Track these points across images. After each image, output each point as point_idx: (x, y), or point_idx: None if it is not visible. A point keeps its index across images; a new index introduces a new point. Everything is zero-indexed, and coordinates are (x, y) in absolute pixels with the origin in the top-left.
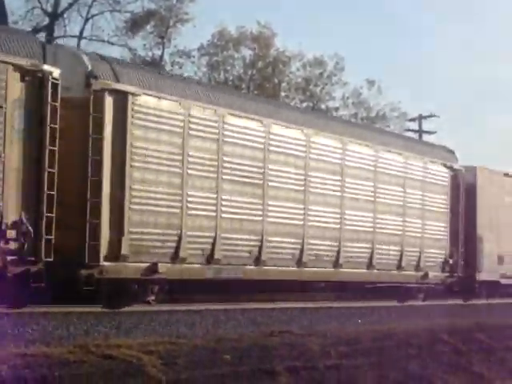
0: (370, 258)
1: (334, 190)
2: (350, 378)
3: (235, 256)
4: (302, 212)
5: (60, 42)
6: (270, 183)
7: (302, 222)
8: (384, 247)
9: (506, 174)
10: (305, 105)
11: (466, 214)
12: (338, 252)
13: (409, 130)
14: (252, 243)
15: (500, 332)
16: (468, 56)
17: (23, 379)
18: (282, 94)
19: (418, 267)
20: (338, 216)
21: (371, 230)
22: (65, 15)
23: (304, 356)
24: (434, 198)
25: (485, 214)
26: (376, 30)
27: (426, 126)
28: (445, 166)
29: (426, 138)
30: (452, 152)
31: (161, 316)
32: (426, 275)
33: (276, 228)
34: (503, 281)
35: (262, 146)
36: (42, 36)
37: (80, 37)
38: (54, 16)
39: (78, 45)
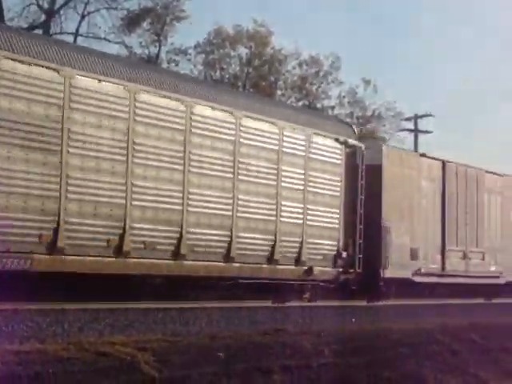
0: (228, 249)
1: (224, 171)
2: (343, 377)
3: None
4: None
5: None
6: (192, 169)
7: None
8: (247, 235)
9: (424, 155)
10: (301, 103)
11: (369, 200)
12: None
13: (404, 130)
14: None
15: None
16: (465, 56)
17: (17, 376)
18: (278, 92)
19: (298, 261)
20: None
21: (229, 213)
22: (61, 12)
23: (298, 354)
24: (320, 178)
25: (394, 201)
26: (373, 29)
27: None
28: (337, 140)
29: (421, 137)
30: (349, 125)
31: (155, 314)
32: (309, 271)
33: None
34: (417, 278)
35: (183, 128)
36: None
37: (76, 34)
38: (51, 13)
39: (74, 41)
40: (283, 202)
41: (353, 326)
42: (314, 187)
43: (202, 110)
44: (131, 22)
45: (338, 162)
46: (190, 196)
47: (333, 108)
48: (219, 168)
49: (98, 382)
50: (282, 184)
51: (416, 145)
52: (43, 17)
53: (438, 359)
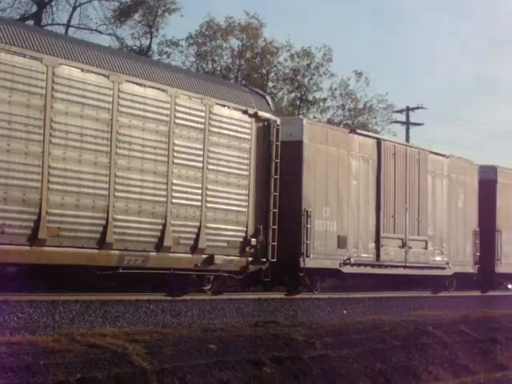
0: (104, 233)
1: (99, 144)
2: (334, 369)
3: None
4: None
5: (48, 29)
6: (54, 140)
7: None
8: (129, 218)
9: (354, 131)
10: (292, 95)
11: (287, 181)
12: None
13: (396, 122)
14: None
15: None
16: (458, 51)
17: (8, 367)
18: (270, 84)
19: (195, 248)
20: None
21: (105, 193)
22: (52, 3)
23: (289, 346)
24: (224, 155)
25: (317, 182)
26: (366, 22)
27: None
28: (245, 112)
29: (413, 130)
30: (262, 96)
31: (146, 305)
32: (210, 259)
33: None
34: (346, 269)
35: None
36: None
37: (68, 25)
38: (42, 4)
39: (66, 33)
40: (175, 181)
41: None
42: (216, 165)
43: (67, 70)
44: (123, 13)
45: (247, 136)
46: (52, 172)
47: (324, 100)
48: (91, 140)
49: (89, 374)
50: (175, 160)
51: (408, 137)
52: (35, 8)
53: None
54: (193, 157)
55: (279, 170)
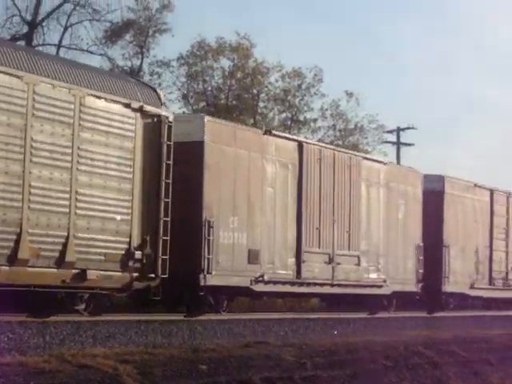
0: None
1: None
2: None
3: None
4: None
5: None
6: None
7: None
8: None
9: (270, 133)
10: (283, 115)
11: (185, 188)
12: None
13: (387, 142)
14: None
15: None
16: (445, 69)
17: None
18: (261, 104)
19: (62, 261)
20: None
21: None
22: (44, 24)
23: (280, 367)
24: (100, 155)
25: (222, 188)
26: (356, 43)
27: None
28: (128, 106)
29: (404, 150)
30: (152, 88)
31: (137, 326)
32: (82, 275)
33: None
34: (258, 287)
35: None
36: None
37: (59, 45)
38: (33, 24)
39: (57, 53)
40: (34, 183)
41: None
42: (90, 166)
43: None
44: (114, 33)
45: (130, 134)
46: None
47: (315, 120)
48: None
49: None
50: (34, 159)
51: (398, 157)
52: (26, 28)
53: None
54: (57, 155)
55: (176, 174)
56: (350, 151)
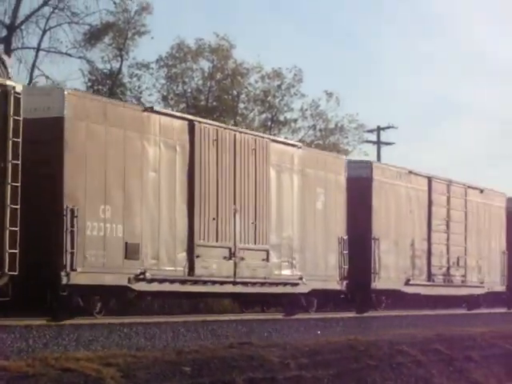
0: None
1: None
2: None
3: None
4: None
5: (18, 53)
6: None
7: None
8: None
9: (152, 110)
10: (264, 116)
11: (42, 172)
12: None
13: (367, 142)
14: None
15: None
16: (425, 69)
17: None
18: (241, 105)
19: None
20: None
21: None
22: (22, 27)
23: (263, 367)
24: None
25: (89, 174)
26: (336, 44)
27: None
28: None
29: (384, 149)
30: None
31: (120, 329)
32: None
33: None
34: (138, 286)
35: None
36: None
37: (38, 49)
38: (12, 28)
39: (36, 56)
40: None
41: None
42: None
43: None
44: (93, 36)
45: None
46: None
47: (295, 120)
48: None
49: None
50: None
51: (379, 157)
52: (4, 31)
53: None
54: None
55: (32, 156)
56: (256, 132)
